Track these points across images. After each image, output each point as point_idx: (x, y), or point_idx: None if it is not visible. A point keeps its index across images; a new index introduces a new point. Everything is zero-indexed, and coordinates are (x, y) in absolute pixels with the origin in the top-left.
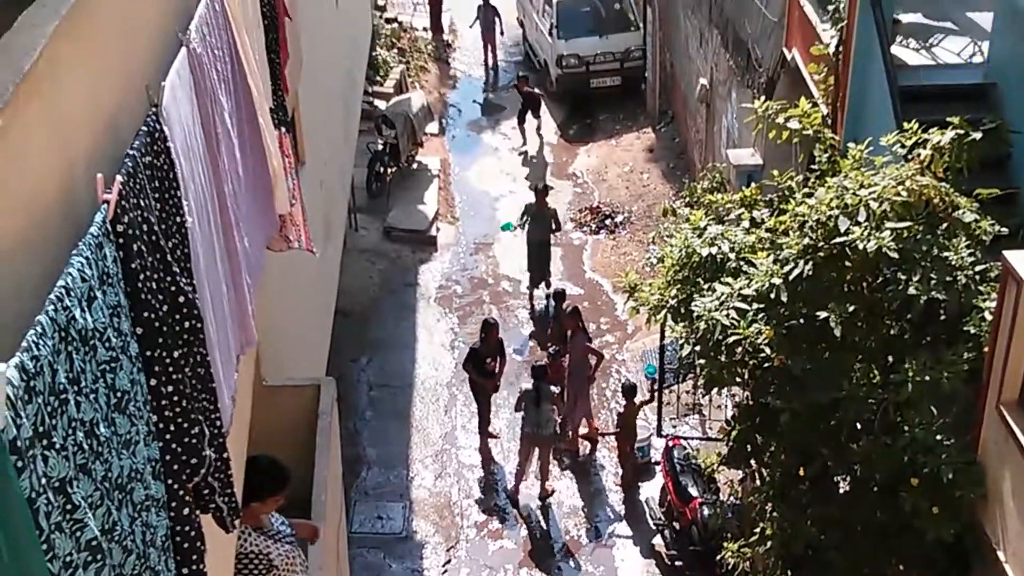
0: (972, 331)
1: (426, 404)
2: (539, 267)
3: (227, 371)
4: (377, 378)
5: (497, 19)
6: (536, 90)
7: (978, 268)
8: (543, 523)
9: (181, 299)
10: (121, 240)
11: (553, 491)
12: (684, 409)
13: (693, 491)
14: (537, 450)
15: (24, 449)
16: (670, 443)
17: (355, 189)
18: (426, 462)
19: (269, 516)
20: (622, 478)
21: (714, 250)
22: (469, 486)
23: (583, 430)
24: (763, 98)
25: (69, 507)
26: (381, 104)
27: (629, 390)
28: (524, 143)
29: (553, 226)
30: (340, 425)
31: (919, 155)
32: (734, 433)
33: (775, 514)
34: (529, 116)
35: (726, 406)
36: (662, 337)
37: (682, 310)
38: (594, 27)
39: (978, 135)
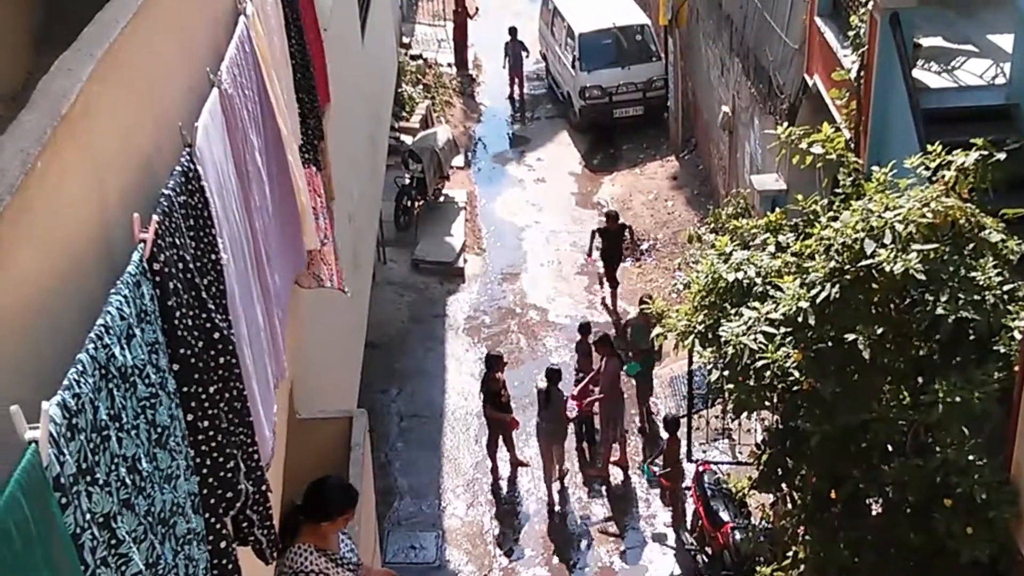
0: (1002, 350)
1: (456, 434)
2: (646, 385)
3: (267, 405)
4: (407, 408)
5: (524, 53)
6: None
7: (1006, 288)
8: (576, 550)
9: (216, 335)
10: (158, 278)
11: (567, 471)
12: (714, 434)
13: (724, 516)
14: (555, 446)
15: (68, 486)
16: (700, 468)
17: (383, 223)
18: (458, 491)
19: (339, 540)
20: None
21: (740, 275)
22: (501, 514)
23: (615, 456)
24: (785, 124)
25: (114, 542)
26: (407, 139)
27: (672, 423)
28: (603, 288)
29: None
30: (372, 456)
31: (943, 177)
32: (764, 457)
33: (807, 537)
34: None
35: (756, 430)
36: (690, 363)
37: (710, 335)
38: (616, 58)
39: (1002, 155)
